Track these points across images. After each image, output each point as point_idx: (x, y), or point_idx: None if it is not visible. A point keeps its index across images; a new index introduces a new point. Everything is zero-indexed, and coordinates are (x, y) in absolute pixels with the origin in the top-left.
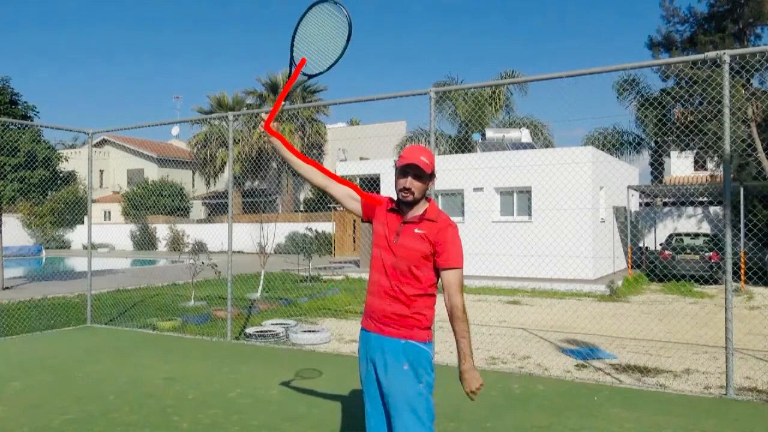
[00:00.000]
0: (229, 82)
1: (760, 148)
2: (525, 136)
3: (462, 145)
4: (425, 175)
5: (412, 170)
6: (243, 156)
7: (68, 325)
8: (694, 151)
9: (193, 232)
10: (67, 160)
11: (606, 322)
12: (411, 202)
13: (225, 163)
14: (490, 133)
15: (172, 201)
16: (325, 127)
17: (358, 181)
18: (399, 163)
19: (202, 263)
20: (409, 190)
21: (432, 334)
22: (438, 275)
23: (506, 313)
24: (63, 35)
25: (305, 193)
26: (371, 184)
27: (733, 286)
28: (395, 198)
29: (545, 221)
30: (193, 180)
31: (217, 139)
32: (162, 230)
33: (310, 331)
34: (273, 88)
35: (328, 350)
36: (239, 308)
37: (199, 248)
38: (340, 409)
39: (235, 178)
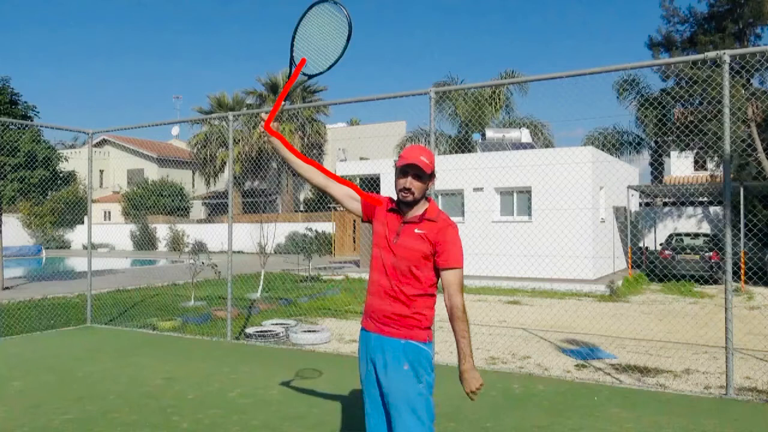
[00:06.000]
0: (229, 82)
1: (760, 148)
2: (525, 136)
3: (462, 145)
4: (425, 175)
5: (412, 170)
6: (243, 156)
7: (68, 325)
8: (694, 151)
9: (193, 232)
10: (67, 160)
11: (606, 322)
12: (411, 202)
13: (225, 163)
14: (490, 133)
15: (172, 201)
16: (325, 127)
17: (358, 181)
18: (399, 163)
19: (202, 263)
20: (409, 190)
21: (432, 334)
22: (438, 275)
23: (506, 313)
24: (63, 35)
25: (305, 193)
26: (371, 184)
27: (733, 286)
28: (395, 198)
29: (545, 221)
30: (193, 180)
31: (217, 139)
32: (162, 230)
33: (310, 331)
34: (273, 88)
35: (328, 350)
36: (239, 308)
37: (199, 248)
38: (340, 409)
39: (235, 178)
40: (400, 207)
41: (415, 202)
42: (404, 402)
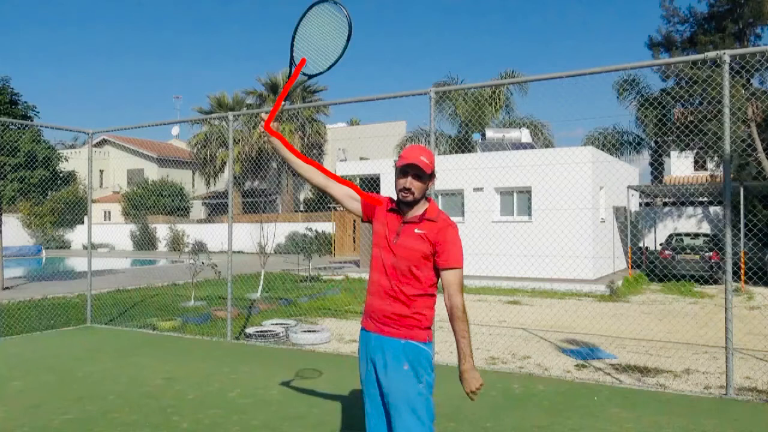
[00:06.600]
0: (229, 82)
1: (760, 148)
2: (525, 136)
3: (462, 145)
4: (425, 175)
5: (412, 170)
6: (243, 156)
7: (68, 325)
8: (694, 151)
9: (193, 232)
10: (67, 160)
11: (606, 322)
12: (411, 202)
13: (225, 163)
14: (490, 133)
15: (172, 201)
16: (325, 127)
17: (358, 181)
18: (399, 163)
19: (202, 263)
20: (409, 190)
21: (432, 334)
22: (438, 275)
23: (506, 313)
24: (63, 35)
25: (305, 193)
26: (371, 184)
27: (733, 286)
28: (395, 198)
29: (545, 221)
30: (193, 180)
31: (217, 139)
32: (162, 230)
33: (310, 331)
34: (273, 88)
35: (328, 350)
36: (239, 308)
37: (199, 248)
38: (340, 409)
39: (235, 178)
40: (400, 207)
41: (415, 202)
42: (404, 402)
